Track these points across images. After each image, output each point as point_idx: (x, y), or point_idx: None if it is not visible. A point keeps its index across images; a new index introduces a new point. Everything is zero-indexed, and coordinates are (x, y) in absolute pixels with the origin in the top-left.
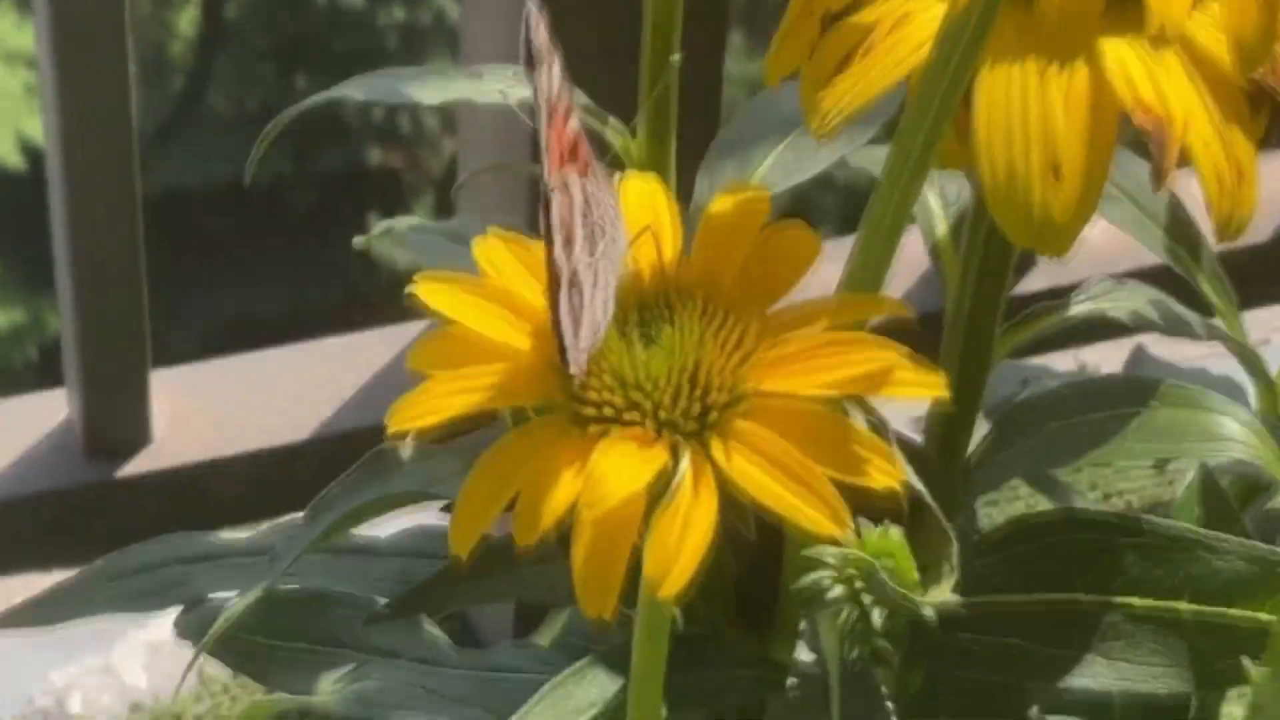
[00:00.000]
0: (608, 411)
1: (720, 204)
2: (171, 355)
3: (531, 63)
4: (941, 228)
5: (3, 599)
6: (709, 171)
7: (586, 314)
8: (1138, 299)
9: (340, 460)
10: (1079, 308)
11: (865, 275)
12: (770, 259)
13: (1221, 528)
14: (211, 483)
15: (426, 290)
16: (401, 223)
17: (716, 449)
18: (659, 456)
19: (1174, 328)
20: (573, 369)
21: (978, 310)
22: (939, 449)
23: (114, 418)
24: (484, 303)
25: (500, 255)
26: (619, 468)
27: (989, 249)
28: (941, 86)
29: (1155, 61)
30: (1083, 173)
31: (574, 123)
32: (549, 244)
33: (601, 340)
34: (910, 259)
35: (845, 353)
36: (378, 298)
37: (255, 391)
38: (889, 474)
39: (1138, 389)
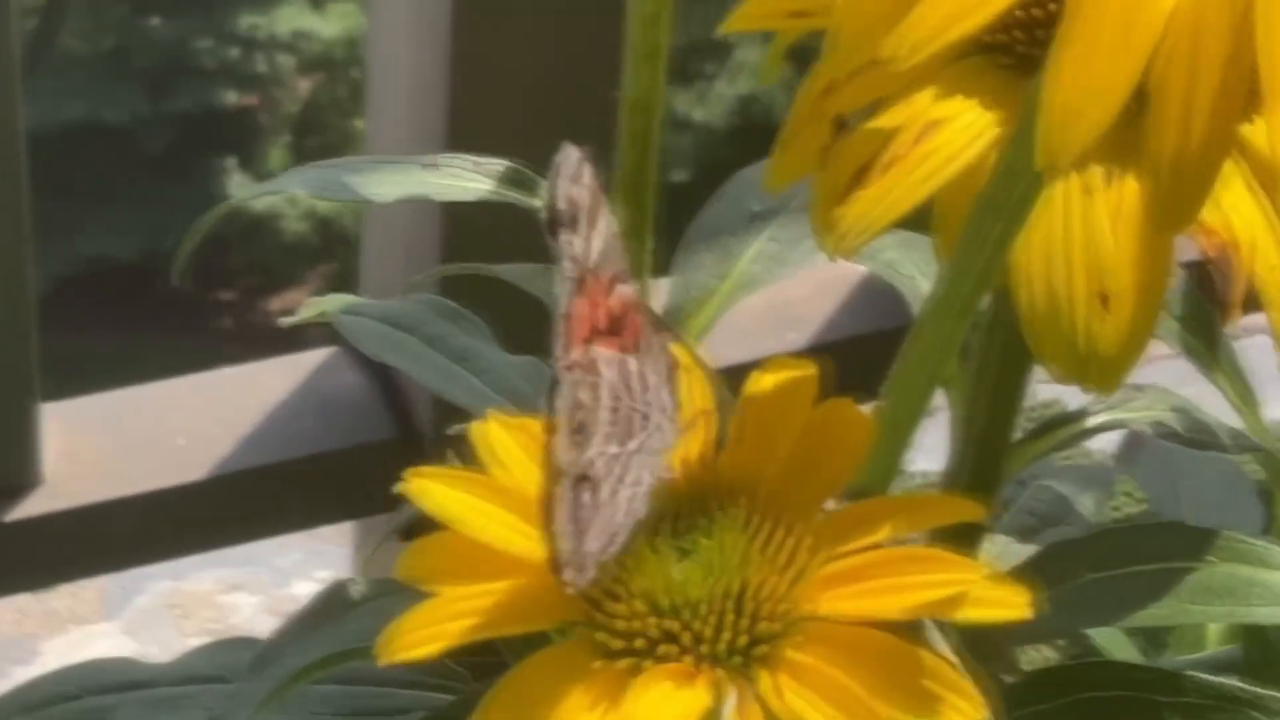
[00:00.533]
0: (639, 644)
1: (760, 384)
2: None
3: (557, 223)
4: None
5: None
6: (684, 265)
7: (601, 516)
8: (1159, 407)
9: (241, 498)
10: (1097, 418)
11: (898, 423)
12: (818, 447)
13: (1267, 677)
14: (106, 525)
15: (418, 489)
16: (332, 302)
17: (765, 685)
18: (700, 698)
19: (1199, 439)
20: (567, 580)
21: (991, 431)
22: None
23: (1, 457)
24: (487, 504)
25: (503, 445)
26: (656, 711)
27: (1005, 367)
28: (994, 233)
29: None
30: (1134, 301)
31: (624, 290)
32: (549, 432)
33: (620, 549)
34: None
35: (917, 571)
36: (233, 239)
37: (150, 426)
38: (968, 715)
39: (1192, 540)
